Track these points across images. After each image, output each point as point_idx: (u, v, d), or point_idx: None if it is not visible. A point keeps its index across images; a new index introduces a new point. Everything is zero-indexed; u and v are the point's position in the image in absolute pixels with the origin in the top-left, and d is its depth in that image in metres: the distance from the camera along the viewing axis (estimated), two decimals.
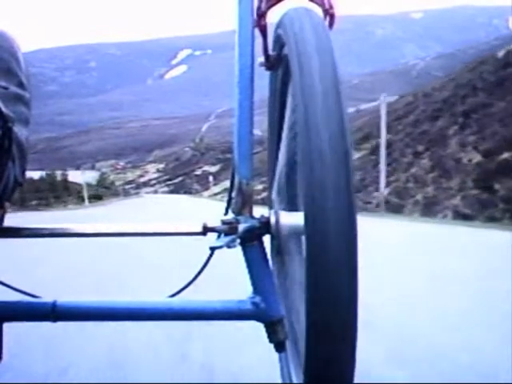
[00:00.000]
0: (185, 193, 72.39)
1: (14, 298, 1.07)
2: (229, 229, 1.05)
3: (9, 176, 1.01)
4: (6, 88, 1.05)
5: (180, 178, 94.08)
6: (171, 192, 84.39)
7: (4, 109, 0.93)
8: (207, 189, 57.55)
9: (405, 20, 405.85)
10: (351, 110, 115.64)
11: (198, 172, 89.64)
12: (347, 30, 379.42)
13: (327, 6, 1.11)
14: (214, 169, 76.09)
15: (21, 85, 1.11)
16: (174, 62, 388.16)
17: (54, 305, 1.04)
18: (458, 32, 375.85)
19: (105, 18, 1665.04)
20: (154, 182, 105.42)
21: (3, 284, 1.18)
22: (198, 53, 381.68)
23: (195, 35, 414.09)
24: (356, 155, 18.47)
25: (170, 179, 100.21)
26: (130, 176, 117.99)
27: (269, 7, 1.15)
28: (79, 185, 46.77)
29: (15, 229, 1.14)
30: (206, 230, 1.11)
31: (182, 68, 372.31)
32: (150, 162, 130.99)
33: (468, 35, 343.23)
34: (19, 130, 1.05)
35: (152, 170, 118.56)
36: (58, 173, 41.23)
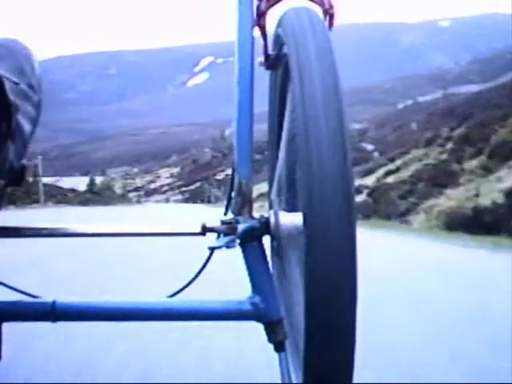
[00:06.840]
0: (202, 201, 62.13)
1: (14, 298, 1.06)
2: (228, 229, 1.03)
3: (5, 158, 1.01)
4: (16, 83, 1.06)
5: (197, 184, 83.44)
6: (186, 200, 72.30)
7: (9, 94, 0.95)
8: None
9: (432, 28, 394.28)
10: (409, 102, 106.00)
11: (220, 176, 79.19)
12: (374, 37, 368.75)
13: (327, 6, 1.11)
14: None
15: (31, 87, 1.11)
16: (196, 69, 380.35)
17: (53, 305, 1.03)
18: (487, 40, 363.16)
19: (126, 26, 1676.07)
20: (165, 188, 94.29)
21: (3, 284, 1.16)
22: (220, 60, 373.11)
23: (217, 42, 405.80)
24: None
25: (185, 185, 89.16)
26: (138, 182, 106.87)
27: (268, 7, 1.14)
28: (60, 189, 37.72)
29: (14, 228, 1.12)
30: (205, 231, 1.09)
31: (204, 75, 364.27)
32: (164, 166, 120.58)
33: (497, 43, 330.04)
34: (23, 121, 1.05)
35: (165, 175, 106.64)
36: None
